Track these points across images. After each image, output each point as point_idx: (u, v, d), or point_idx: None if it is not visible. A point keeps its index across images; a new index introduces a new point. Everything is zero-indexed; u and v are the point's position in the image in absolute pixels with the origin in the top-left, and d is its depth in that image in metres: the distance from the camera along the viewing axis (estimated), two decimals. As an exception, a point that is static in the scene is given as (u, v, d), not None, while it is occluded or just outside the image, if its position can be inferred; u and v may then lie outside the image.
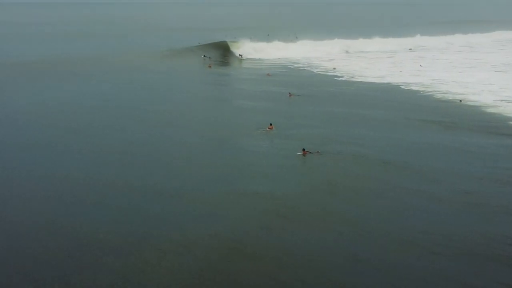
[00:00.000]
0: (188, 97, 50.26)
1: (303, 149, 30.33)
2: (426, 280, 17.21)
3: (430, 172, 27.41)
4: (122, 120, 39.59)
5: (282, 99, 48.78)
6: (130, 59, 76.70)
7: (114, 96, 50.11)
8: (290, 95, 49.96)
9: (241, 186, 25.50)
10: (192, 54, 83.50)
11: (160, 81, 60.24)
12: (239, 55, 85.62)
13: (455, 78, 62.03)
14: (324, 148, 31.25)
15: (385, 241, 19.84)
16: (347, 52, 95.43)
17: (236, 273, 17.67)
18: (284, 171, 27.94)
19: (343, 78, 63.70)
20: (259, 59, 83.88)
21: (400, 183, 26.00)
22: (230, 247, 19.33)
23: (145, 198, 23.96)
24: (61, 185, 25.65)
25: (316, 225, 21.21)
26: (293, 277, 17.40)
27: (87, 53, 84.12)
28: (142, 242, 19.56)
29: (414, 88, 55.94)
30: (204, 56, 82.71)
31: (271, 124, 36.22)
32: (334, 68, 72.50)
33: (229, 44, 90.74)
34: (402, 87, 56.86)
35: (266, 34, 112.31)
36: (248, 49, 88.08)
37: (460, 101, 47.81)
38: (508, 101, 47.13)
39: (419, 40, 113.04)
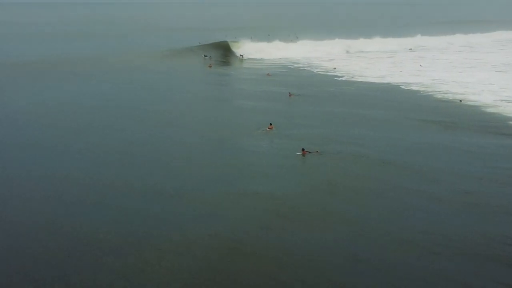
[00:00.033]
0: (188, 97, 50.24)
1: (303, 149, 30.34)
2: (426, 280, 17.21)
3: (430, 172, 27.41)
4: (122, 120, 39.61)
5: (282, 99, 48.78)
6: (130, 59, 76.74)
7: (114, 96, 50.13)
8: (290, 95, 49.97)
9: (241, 186, 25.51)
10: (192, 54, 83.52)
11: (160, 81, 60.25)
12: (240, 55, 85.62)
13: (455, 78, 62.02)
14: (324, 148, 31.25)
15: (385, 241, 19.84)
16: (347, 52, 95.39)
17: (236, 273, 17.67)
18: (284, 171, 27.95)
19: (343, 78, 63.70)
20: (260, 59, 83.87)
21: (400, 183, 26.00)
22: (230, 247, 19.34)
23: (145, 198, 23.97)
24: (61, 185, 25.66)
25: (316, 225, 21.22)
26: (293, 277, 17.40)
27: (87, 53, 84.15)
28: (142, 242, 19.57)
29: (414, 88, 55.93)
30: (204, 55, 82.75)
31: (270, 124, 36.23)
32: (334, 68, 72.51)
33: (230, 44, 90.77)
34: (402, 87, 56.86)
35: (267, 34, 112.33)
36: (249, 49, 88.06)
37: (460, 101, 47.82)
38: (508, 101, 47.12)
39: (419, 40, 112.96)
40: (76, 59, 76.07)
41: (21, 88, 53.28)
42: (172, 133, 35.81)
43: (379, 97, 50.33)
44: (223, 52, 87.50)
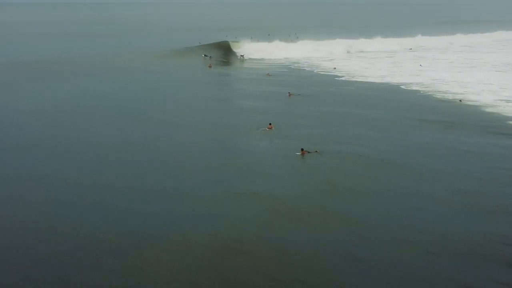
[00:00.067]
0: (188, 97, 50.26)
1: (302, 149, 30.34)
2: (425, 280, 17.22)
3: (429, 172, 27.42)
4: (122, 120, 39.63)
5: (281, 99, 48.81)
6: (130, 59, 76.75)
7: (114, 96, 50.15)
8: (289, 95, 49.99)
9: (240, 186, 25.52)
10: (192, 54, 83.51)
11: (160, 81, 60.27)
12: (241, 55, 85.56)
13: (455, 78, 62.01)
14: (323, 147, 31.25)
15: (385, 241, 19.84)
16: (348, 52, 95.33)
17: (235, 273, 17.68)
18: (284, 171, 27.96)
19: (343, 78, 63.71)
20: (260, 59, 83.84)
21: (399, 182, 26.01)
22: (229, 247, 19.35)
23: (145, 198, 23.98)
24: (61, 185, 25.68)
25: (316, 225, 21.23)
26: (293, 277, 17.41)
27: (87, 53, 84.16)
28: (142, 242, 19.58)
29: (414, 88, 55.93)
30: (204, 55, 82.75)
31: (270, 124, 36.25)
32: (334, 68, 72.51)
33: (231, 44, 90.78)
34: (402, 87, 56.86)
35: (267, 34, 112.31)
36: (249, 49, 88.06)
37: (460, 100, 47.83)
38: (507, 101, 47.14)
39: (419, 40, 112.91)
40: (76, 59, 76.11)
41: (21, 88, 53.29)
42: (171, 133, 35.83)
43: (379, 97, 50.34)
44: (224, 52, 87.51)
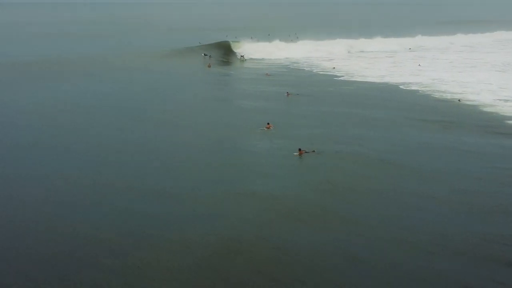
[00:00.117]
0: (188, 97, 50.26)
1: (299, 149, 30.34)
2: (425, 280, 17.24)
3: (429, 172, 27.44)
4: (122, 119, 39.64)
5: (280, 99, 48.82)
6: (130, 59, 76.72)
7: (114, 96, 50.17)
8: (288, 95, 49.99)
9: (240, 186, 25.53)
10: (192, 54, 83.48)
11: (160, 81, 60.27)
12: (241, 55, 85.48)
13: (455, 78, 61.99)
14: (322, 147, 31.27)
15: (385, 241, 19.85)
16: (349, 52, 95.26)
17: (236, 273, 17.69)
18: (284, 171, 27.97)
19: (342, 78, 63.71)
20: (260, 59, 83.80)
21: (399, 182, 26.03)
22: (229, 246, 19.36)
23: (145, 198, 24.00)
24: (61, 185, 25.69)
25: (316, 225, 21.24)
26: (293, 277, 17.42)
27: (87, 53, 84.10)
28: (141, 242, 19.60)
29: (413, 88, 55.93)
30: (204, 54, 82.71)
31: (268, 124, 36.27)
32: (334, 68, 72.51)
33: (231, 44, 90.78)
34: (402, 86, 56.85)
35: (267, 34, 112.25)
36: (249, 49, 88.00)
37: (459, 100, 47.85)
38: (506, 101, 47.17)
39: (420, 40, 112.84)
40: (76, 59, 76.06)
41: (21, 88, 53.30)
42: (171, 133, 35.84)
43: (378, 97, 50.33)
44: (224, 52, 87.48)
